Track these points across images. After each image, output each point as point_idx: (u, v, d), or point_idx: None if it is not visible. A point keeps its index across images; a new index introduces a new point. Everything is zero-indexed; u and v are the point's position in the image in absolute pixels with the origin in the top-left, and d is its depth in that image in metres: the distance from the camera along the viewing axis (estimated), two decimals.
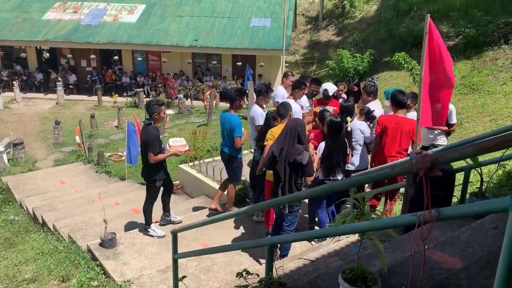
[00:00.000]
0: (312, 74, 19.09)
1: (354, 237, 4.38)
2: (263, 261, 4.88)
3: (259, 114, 6.35)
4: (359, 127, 5.83)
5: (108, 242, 5.67)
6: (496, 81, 12.11)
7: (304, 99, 6.94)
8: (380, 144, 5.74)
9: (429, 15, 4.50)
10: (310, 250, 4.43)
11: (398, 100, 5.72)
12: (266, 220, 5.73)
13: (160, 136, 6.06)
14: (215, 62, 19.33)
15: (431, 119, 4.96)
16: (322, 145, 5.32)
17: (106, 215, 5.91)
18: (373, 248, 2.51)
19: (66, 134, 14.71)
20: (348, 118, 5.71)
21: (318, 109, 6.51)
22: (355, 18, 21.98)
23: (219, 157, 9.33)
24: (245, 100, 6.21)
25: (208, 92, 17.69)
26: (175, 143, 6.85)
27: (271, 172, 5.08)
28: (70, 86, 20.69)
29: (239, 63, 18.53)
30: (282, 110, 5.41)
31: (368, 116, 6.14)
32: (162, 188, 6.24)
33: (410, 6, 18.97)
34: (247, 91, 6.69)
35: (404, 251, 3.22)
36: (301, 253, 4.74)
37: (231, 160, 6.42)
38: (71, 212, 7.65)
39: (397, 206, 5.96)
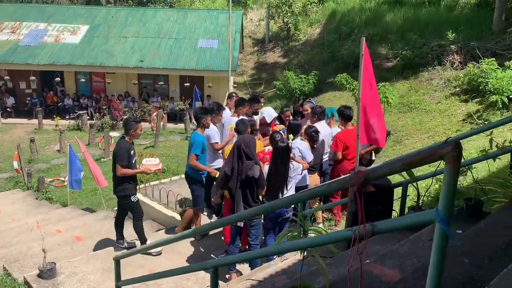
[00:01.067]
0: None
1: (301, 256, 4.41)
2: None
3: (214, 131, 6.43)
4: (298, 146, 5.91)
5: (47, 273, 5.36)
6: (432, 100, 12.84)
7: (268, 111, 7.06)
8: (341, 158, 6.12)
9: (364, 38, 4.72)
10: (259, 270, 4.41)
11: (346, 115, 6.06)
12: (226, 236, 5.68)
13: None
14: (162, 83, 19.16)
15: (371, 137, 5.16)
16: (266, 167, 5.35)
17: (46, 243, 5.61)
18: (316, 265, 2.55)
19: (3, 160, 13.90)
20: (291, 136, 5.78)
21: (277, 127, 6.61)
22: (300, 41, 22.66)
23: (165, 179, 9.21)
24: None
25: (154, 113, 17.45)
26: (148, 162, 6.85)
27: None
28: (8, 109, 19.67)
29: (187, 84, 18.49)
30: (241, 126, 5.49)
31: (312, 136, 6.28)
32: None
33: (351, 29, 19.84)
34: (213, 108, 6.73)
35: (347, 266, 3.28)
36: (250, 273, 4.70)
37: (190, 181, 6.31)
38: (7, 243, 7.18)
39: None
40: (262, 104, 8.02)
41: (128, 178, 5.90)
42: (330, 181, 4.97)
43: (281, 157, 5.14)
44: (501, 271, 2.37)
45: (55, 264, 5.52)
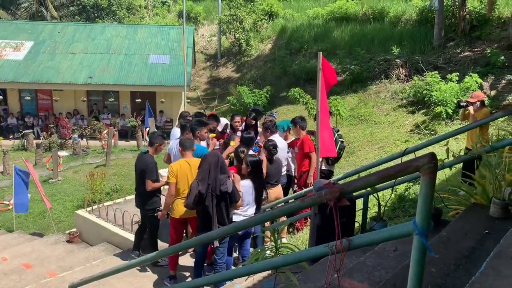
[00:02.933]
0: (214, 110, 19.28)
1: (267, 272, 4.34)
2: None
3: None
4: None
5: None
6: (381, 112, 13.28)
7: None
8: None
9: (321, 53, 4.79)
10: None
11: (302, 125, 6.58)
12: (171, 263, 5.48)
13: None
14: (112, 99, 18.68)
15: (330, 148, 5.23)
16: (244, 182, 5.25)
17: None
18: (286, 283, 2.48)
19: None
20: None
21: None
22: (252, 56, 22.87)
23: (120, 199, 8.86)
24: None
25: (105, 131, 16.88)
26: (164, 173, 6.66)
27: (185, 209, 4.98)
28: None
29: (138, 100, 18.10)
30: (187, 142, 5.36)
31: (271, 150, 6.28)
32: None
33: (301, 45, 20.26)
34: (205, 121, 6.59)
35: (315, 281, 3.24)
36: None
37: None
38: None
39: (305, 235, 6.09)
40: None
41: (156, 191, 5.96)
42: (303, 196, 4.94)
43: (259, 170, 5.13)
44: (467, 278, 2.41)
45: None
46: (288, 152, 7.03)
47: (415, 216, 1.61)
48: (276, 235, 2.30)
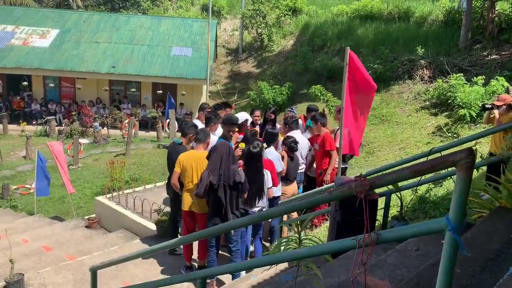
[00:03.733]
0: (233, 104, 19.29)
1: (283, 265, 4.34)
2: None
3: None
4: (267, 156, 5.87)
5: (14, 285, 5.05)
6: (403, 113, 13.11)
7: (242, 115, 7.06)
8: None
9: (348, 47, 4.74)
10: (240, 281, 4.30)
11: (322, 122, 6.57)
12: (185, 254, 5.52)
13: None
14: (134, 89, 18.83)
15: (354, 146, 5.20)
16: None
17: (12, 254, 5.30)
18: (307, 275, 2.47)
19: None
20: (264, 144, 5.72)
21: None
22: (273, 52, 22.80)
23: (140, 188, 8.97)
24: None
25: (126, 121, 17.08)
26: None
27: (191, 201, 5.01)
28: None
29: (160, 91, 18.23)
30: (202, 134, 5.35)
31: (292, 147, 6.27)
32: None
33: (323, 42, 20.10)
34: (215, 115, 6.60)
35: (334, 276, 3.22)
36: (231, 284, 4.59)
37: None
38: None
39: (322, 231, 6.06)
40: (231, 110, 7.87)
41: None
42: (331, 188, 4.92)
43: (251, 161, 5.10)
44: (493, 280, 2.37)
45: (23, 275, 5.22)
46: (310, 150, 6.99)
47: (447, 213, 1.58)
48: (300, 227, 2.30)
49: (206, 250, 5.20)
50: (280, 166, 5.98)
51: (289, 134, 6.63)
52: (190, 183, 5.10)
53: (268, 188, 5.33)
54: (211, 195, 4.75)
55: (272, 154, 5.94)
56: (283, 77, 19.62)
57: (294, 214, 5.85)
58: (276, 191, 5.90)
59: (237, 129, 6.07)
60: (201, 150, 5.23)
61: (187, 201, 5.18)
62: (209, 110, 7.18)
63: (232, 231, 4.81)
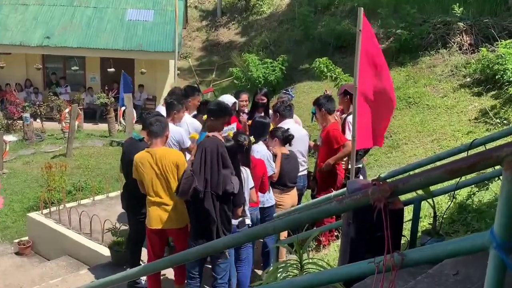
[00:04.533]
0: (211, 85, 19.32)
1: None
2: None
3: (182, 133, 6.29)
4: (255, 153, 5.89)
5: None
6: (436, 93, 13.23)
7: (227, 98, 7.16)
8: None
9: (362, 8, 4.79)
10: None
11: (328, 108, 6.49)
12: (150, 285, 5.56)
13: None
14: (76, 68, 18.76)
15: (371, 138, 5.26)
16: None
17: None
18: None
19: None
20: (252, 138, 5.74)
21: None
22: (263, 14, 22.82)
23: (87, 200, 8.96)
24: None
25: (67, 110, 16.94)
26: None
27: (159, 215, 5.04)
28: None
29: (111, 69, 18.19)
30: (157, 126, 5.22)
31: (285, 138, 6.30)
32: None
33: (329, 0, 20.17)
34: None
35: None
36: None
37: None
38: None
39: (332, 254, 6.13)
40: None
41: None
42: (341, 196, 4.95)
43: (234, 157, 5.10)
44: None
45: None
46: (319, 144, 7.01)
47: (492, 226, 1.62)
48: (302, 248, 2.34)
49: (184, 273, 5.25)
50: (271, 168, 5.98)
51: (280, 124, 6.65)
52: (153, 193, 5.10)
53: (250, 189, 5.34)
54: (193, 207, 4.80)
55: (261, 152, 5.96)
56: (277, 48, 19.66)
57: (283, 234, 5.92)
58: (268, 200, 5.93)
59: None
60: (159, 146, 5.20)
61: (154, 216, 5.16)
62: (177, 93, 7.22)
63: (221, 257, 4.84)
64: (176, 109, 6.30)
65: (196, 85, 8.53)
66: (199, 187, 4.62)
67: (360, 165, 7.09)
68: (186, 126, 6.61)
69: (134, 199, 5.78)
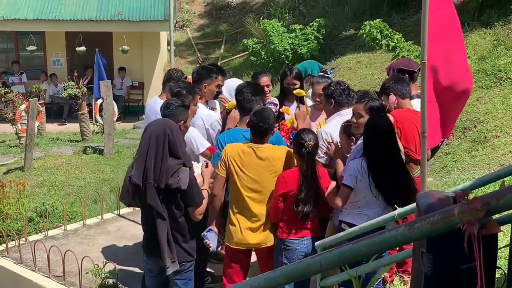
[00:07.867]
0: (219, 64, 19.37)
1: None
2: None
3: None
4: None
5: None
6: None
7: (233, 83, 7.33)
8: None
9: None
10: None
11: (402, 91, 6.66)
12: None
13: None
14: (34, 47, 18.93)
15: (440, 130, 5.28)
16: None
17: None
18: None
19: None
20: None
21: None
22: None
23: (56, 230, 9.03)
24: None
25: (23, 106, 17.13)
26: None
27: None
28: None
29: (82, 48, 18.34)
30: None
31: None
32: None
33: None
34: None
35: None
36: None
37: None
38: None
39: None
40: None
41: None
42: (409, 214, 4.97)
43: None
44: None
45: None
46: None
47: None
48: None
49: None
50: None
51: (336, 115, 6.61)
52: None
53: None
54: (138, 202, 5.12)
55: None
56: (309, 9, 19.66)
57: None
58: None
59: None
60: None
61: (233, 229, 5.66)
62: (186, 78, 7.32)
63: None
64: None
65: (213, 65, 8.46)
66: (134, 178, 4.87)
67: None
68: (201, 122, 6.69)
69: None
